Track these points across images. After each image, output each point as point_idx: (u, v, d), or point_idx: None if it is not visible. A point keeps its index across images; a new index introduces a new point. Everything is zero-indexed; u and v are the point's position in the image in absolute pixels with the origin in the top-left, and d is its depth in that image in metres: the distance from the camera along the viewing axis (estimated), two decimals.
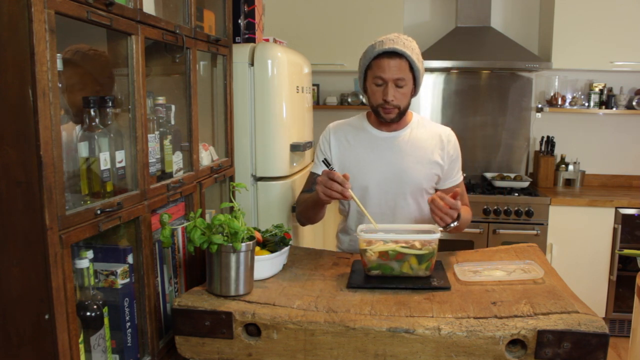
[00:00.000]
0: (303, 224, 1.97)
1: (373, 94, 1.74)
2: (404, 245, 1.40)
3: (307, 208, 1.81)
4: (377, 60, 1.69)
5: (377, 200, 1.78)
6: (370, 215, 1.60)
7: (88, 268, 1.16)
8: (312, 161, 2.81)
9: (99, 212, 1.12)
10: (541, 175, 3.69)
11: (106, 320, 1.22)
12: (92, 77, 1.34)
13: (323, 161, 1.60)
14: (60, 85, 1.03)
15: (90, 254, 1.18)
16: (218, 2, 1.89)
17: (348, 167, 1.80)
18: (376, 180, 1.78)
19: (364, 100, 3.72)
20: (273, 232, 1.54)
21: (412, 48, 1.68)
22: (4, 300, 1.01)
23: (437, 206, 1.54)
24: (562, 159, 3.75)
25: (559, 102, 3.61)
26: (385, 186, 1.78)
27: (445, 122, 3.76)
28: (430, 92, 3.85)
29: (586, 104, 3.65)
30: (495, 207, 3.31)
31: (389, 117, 1.74)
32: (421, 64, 1.71)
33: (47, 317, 1.00)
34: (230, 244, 1.27)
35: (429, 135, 1.83)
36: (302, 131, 2.40)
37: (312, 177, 1.92)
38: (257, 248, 1.44)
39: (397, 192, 1.78)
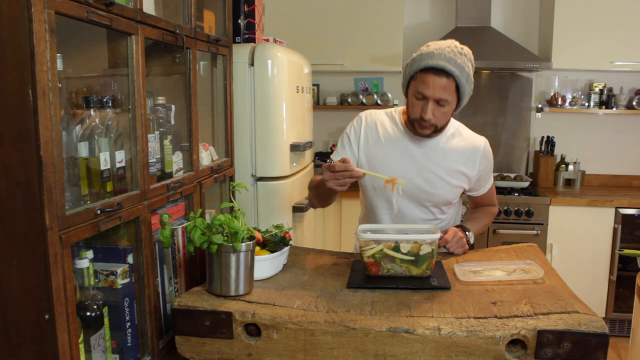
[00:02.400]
0: (315, 207, 1.89)
1: (412, 106, 1.61)
2: (394, 246, 1.39)
3: (321, 195, 1.73)
4: (422, 73, 1.55)
5: (397, 207, 1.71)
6: (380, 216, 1.68)
7: (88, 268, 1.16)
8: (312, 161, 2.82)
9: (99, 212, 1.12)
10: (541, 175, 3.69)
11: (106, 320, 1.22)
12: None
13: (321, 159, 1.54)
14: (60, 85, 1.03)
15: (90, 254, 1.18)
16: (218, 2, 1.89)
17: (374, 163, 1.72)
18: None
19: (364, 101, 3.72)
20: (273, 232, 1.54)
21: (463, 66, 1.54)
22: (4, 300, 1.01)
23: (450, 245, 1.64)
24: (562, 159, 3.75)
25: (559, 102, 3.61)
26: (406, 193, 1.69)
27: None
28: None
29: (586, 104, 3.64)
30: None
31: (423, 132, 1.63)
32: (470, 84, 1.58)
33: (47, 317, 1.00)
34: (230, 244, 1.27)
35: (463, 146, 1.72)
36: (302, 131, 2.40)
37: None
38: (257, 248, 1.44)
39: (416, 201, 1.73)
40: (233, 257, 1.28)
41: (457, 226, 1.72)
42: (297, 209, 2.24)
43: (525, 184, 3.52)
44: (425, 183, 1.70)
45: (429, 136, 1.67)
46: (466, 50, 1.60)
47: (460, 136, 1.74)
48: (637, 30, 3.31)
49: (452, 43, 1.58)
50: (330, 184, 1.47)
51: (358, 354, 1.20)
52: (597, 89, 3.60)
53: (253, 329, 1.25)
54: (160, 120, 1.48)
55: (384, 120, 1.76)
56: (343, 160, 1.45)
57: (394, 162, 1.71)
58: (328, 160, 1.50)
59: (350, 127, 1.78)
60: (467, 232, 1.69)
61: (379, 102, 3.69)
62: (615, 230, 3.23)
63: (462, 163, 1.71)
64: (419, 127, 1.62)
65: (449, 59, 1.52)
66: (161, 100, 1.48)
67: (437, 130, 1.64)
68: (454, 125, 1.76)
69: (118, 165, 1.24)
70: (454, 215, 1.84)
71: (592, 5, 3.33)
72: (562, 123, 3.78)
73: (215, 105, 1.93)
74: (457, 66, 1.52)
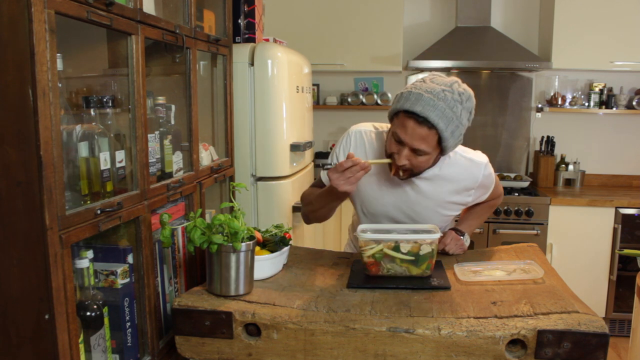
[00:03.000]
0: (309, 222, 1.79)
1: (389, 145, 1.46)
2: (394, 246, 1.39)
3: (321, 208, 1.64)
4: (404, 115, 1.38)
5: (383, 221, 1.69)
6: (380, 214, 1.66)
7: (88, 268, 1.16)
8: (312, 161, 2.82)
9: (99, 212, 1.12)
10: (541, 175, 3.69)
11: (106, 320, 1.22)
12: None
13: (323, 167, 1.49)
14: (60, 85, 1.03)
15: (90, 253, 1.18)
16: (218, 2, 1.89)
17: (360, 190, 1.64)
18: (386, 214, 1.66)
19: (364, 100, 3.72)
20: (273, 232, 1.54)
21: (452, 118, 1.37)
22: (4, 300, 1.01)
23: (449, 248, 1.64)
24: (562, 159, 3.75)
25: (559, 102, 3.61)
26: (395, 217, 1.66)
27: None
28: None
29: (586, 104, 3.64)
30: (496, 207, 3.31)
31: (398, 175, 1.49)
32: (459, 133, 1.41)
33: (47, 317, 1.00)
34: (230, 244, 1.27)
35: (458, 174, 1.57)
36: (302, 131, 2.40)
37: (319, 182, 1.75)
38: (257, 248, 1.44)
39: (406, 222, 1.66)
40: (233, 257, 1.28)
41: (452, 229, 1.72)
42: (297, 209, 2.24)
43: (525, 184, 3.52)
44: (414, 214, 1.63)
45: (404, 180, 1.54)
46: (467, 94, 1.42)
47: (456, 164, 1.57)
48: (637, 30, 3.31)
49: (452, 85, 1.41)
50: (343, 186, 1.38)
51: (358, 354, 1.20)
52: (597, 89, 3.60)
53: (253, 329, 1.25)
54: (160, 120, 1.48)
55: (375, 138, 1.63)
56: (348, 156, 1.39)
57: (381, 189, 1.62)
58: (327, 166, 1.45)
59: (340, 146, 1.67)
60: (462, 236, 1.69)
61: (379, 102, 3.69)
62: (615, 230, 3.23)
63: (455, 194, 1.60)
64: (394, 168, 1.48)
65: (437, 106, 1.35)
66: (161, 100, 1.48)
67: (414, 174, 1.50)
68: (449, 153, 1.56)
69: (118, 165, 1.24)
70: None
71: (592, 5, 3.33)
72: (562, 123, 3.78)
73: (215, 105, 1.93)
74: (444, 117, 1.35)
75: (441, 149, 1.44)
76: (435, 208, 1.62)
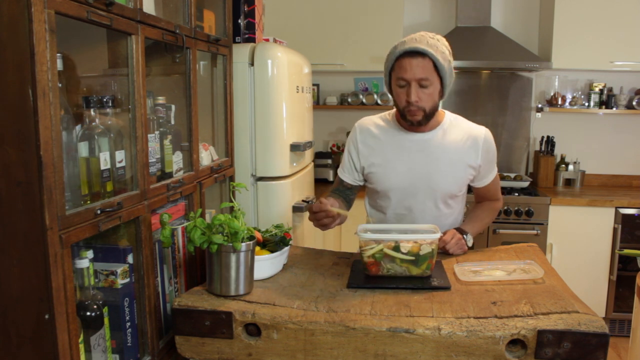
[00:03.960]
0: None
1: (397, 96, 1.64)
2: (394, 246, 1.39)
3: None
4: (399, 61, 1.60)
5: (397, 202, 1.74)
6: (387, 216, 1.77)
7: (88, 268, 1.16)
8: (312, 161, 2.82)
9: (99, 212, 1.12)
10: (541, 175, 3.69)
11: (106, 320, 1.22)
12: None
13: (303, 201, 1.67)
14: (60, 85, 1.03)
15: (90, 253, 1.18)
16: (218, 2, 1.89)
17: (375, 172, 1.75)
18: (402, 184, 1.72)
19: (364, 100, 3.72)
20: (273, 232, 1.54)
21: (436, 46, 1.58)
22: (4, 300, 1.01)
23: (449, 246, 1.65)
24: (562, 158, 3.75)
25: (559, 102, 3.61)
26: (410, 190, 1.72)
27: None
28: None
29: (586, 104, 3.64)
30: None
31: (415, 119, 1.64)
32: (448, 62, 1.61)
33: (47, 317, 1.00)
34: (230, 244, 1.27)
35: (462, 136, 1.73)
36: (302, 131, 2.40)
37: (338, 180, 1.88)
38: (257, 248, 1.44)
39: (422, 197, 1.73)
40: (233, 257, 1.28)
41: (455, 229, 1.72)
42: (297, 209, 2.24)
43: (525, 184, 3.52)
44: (428, 177, 1.70)
45: (421, 124, 1.66)
46: (438, 36, 1.63)
47: (457, 127, 1.75)
48: (637, 30, 3.31)
49: (423, 32, 1.63)
50: (315, 224, 1.60)
51: (358, 353, 1.20)
52: (597, 89, 3.60)
53: (253, 329, 1.25)
54: (160, 120, 1.48)
55: (378, 123, 1.79)
56: (320, 202, 1.55)
57: (393, 162, 1.73)
58: (311, 201, 1.61)
59: (349, 140, 1.83)
60: (465, 235, 1.69)
61: (379, 102, 3.69)
62: (615, 230, 3.23)
63: (463, 154, 1.72)
64: (409, 115, 1.63)
65: (420, 41, 1.57)
66: (161, 100, 1.48)
67: (427, 115, 1.64)
68: (449, 117, 1.77)
69: (118, 165, 1.24)
70: (460, 211, 1.84)
71: (592, 5, 3.33)
72: (562, 123, 3.78)
73: (215, 105, 1.93)
74: (429, 46, 1.56)
75: (440, 78, 1.61)
76: (446, 169, 1.71)
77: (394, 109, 1.77)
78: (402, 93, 1.62)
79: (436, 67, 1.58)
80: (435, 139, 1.72)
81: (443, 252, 1.65)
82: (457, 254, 1.65)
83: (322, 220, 1.56)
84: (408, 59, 1.57)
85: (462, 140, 1.72)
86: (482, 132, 1.77)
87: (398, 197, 1.74)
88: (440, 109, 1.73)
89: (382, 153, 1.74)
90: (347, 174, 1.83)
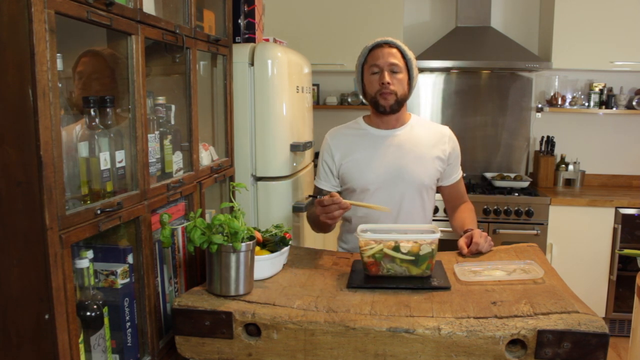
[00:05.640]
0: (317, 232, 2.01)
1: (370, 83, 1.80)
2: (394, 246, 1.39)
3: (318, 226, 1.87)
4: (372, 52, 1.79)
5: (379, 200, 1.78)
6: (373, 213, 1.74)
7: (88, 268, 1.16)
8: (312, 161, 2.82)
9: (99, 212, 1.12)
10: (541, 175, 3.69)
11: (106, 320, 1.22)
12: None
13: (310, 196, 1.72)
14: (60, 85, 1.03)
15: (90, 253, 1.18)
16: (218, 2, 1.89)
17: (350, 170, 1.84)
18: (378, 180, 1.80)
19: (364, 101, 3.72)
20: (273, 232, 1.54)
21: (400, 41, 1.79)
22: (4, 300, 1.01)
23: (482, 247, 1.63)
24: (562, 159, 3.75)
25: (559, 102, 3.62)
26: (387, 185, 1.80)
27: (445, 122, 3.77)
28: (430, 92, 3.85)
29: (586, 104, 3.64)
30: (495, 207, 3.31)
31: (387, 103, 1.77)
32: (414, 58, 1.80)
33: (47, 317, 1.00)
34: (230, 244, 1.27)
35: (428, 132, 1.87)
36: (302, 131, 2.40)
37: (316, 189, 1.97)
38: (257, 248, 1.44)
39: (399, 191, 1.80)
40: (233, 257, 1.28)
41: (466, 230, 1.72)
42: (297, 209, 2.24)
43: (525, 184, 3.52)
44: (400, 169, 1.80)
45: (393, 110, 1.79)
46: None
47: (423, 125, 1.91)
48: (637, 30, 3.31)
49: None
50: (323, 217, 1.60)
51: (358, 354, 1.20)
52: (597, 89, 3.60)
53: (253, 329, 1.25)
54: (160, 120, 1.47)
55: (348, 129, 1.94)
56: (331, 195, 1.57)
57: (367, 160, 1.83)
58: (319, 196, 1.66)
59: (322, 150, 1.94)
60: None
61: None
62: (615, 230, 3.23)
63: (432, 147, 1.85)
64: (382, 99, 1.78)
65: (388, 37, 1.80)
66: (161, 100, 1.48)
67: (399, 101, 1.78)
68: (415, 117, 1.92)
69: (118, 165, 1.24)
70: (430, 209, 1.92)
71: (592, 5, 3.33)
72: (562, 123, 3.78)
73: (215, 105, 1.93)
74: (397, 40, 1.79)
75: (408, 70, 1.79)
76: (416, 160, 1.82)
77: (358, 117, 1.96)
78: (375, 79, 1.78)
79: (404, 57, 1.78)
80: (404, 134, 1.86)
81: (472, 254, 1.63)
82: (487, 250, 1.65)
83: (333, 212, 1.57)
84: (380, 49, 1.77)
85: (429, 135, 1.87)
86: (446, 129, 1.92)
87: (379, 192, 1.80)
88: (407, 111, 1.90)
89: (356, 151, 1.85)
90: (324, 182, 1.92)
